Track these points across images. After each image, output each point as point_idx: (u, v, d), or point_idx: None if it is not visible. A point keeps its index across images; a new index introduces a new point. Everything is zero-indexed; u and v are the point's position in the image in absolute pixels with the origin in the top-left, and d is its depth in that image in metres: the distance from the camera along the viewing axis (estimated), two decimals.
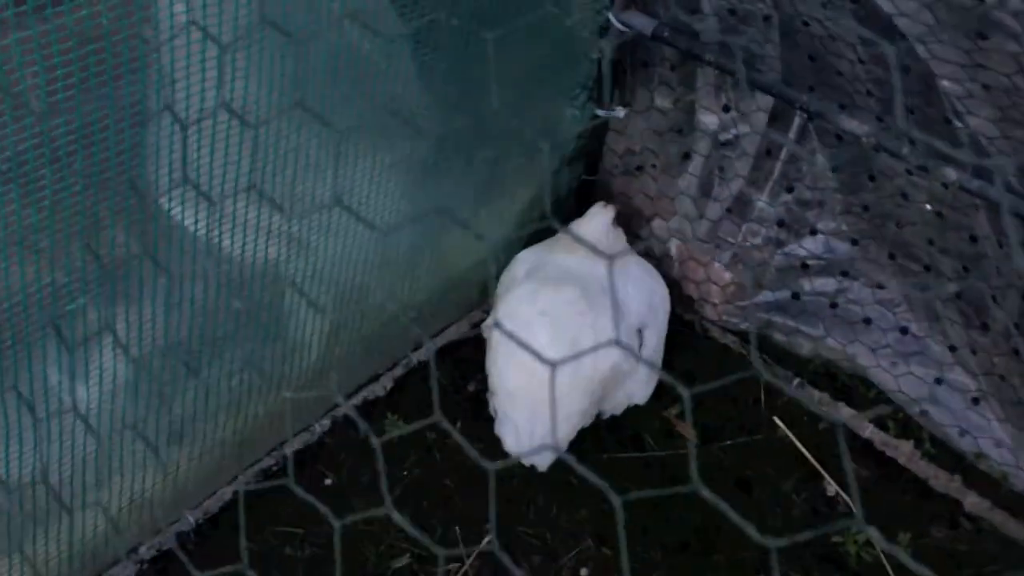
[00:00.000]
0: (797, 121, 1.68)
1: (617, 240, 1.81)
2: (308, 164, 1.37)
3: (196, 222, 1.27)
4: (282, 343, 1.51)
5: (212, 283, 1.34)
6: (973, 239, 1.53)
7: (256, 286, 1.42)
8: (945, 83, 1.26)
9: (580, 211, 1.87)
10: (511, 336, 1.66)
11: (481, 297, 1.97)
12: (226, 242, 1.33)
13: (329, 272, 1.53)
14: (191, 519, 1.55)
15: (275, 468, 1.67)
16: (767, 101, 1.67)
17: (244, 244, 1.36)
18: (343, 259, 1.53)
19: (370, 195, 1.52)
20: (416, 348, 1.87)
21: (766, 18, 1.50)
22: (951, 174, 1.39)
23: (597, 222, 1.78)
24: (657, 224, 1.97)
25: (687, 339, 1.95)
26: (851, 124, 1.48)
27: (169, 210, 1.25)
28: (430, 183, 1.63)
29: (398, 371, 1.83)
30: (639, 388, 1.79)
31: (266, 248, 1.39)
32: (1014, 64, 1.13)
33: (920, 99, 1.34)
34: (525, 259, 1.83)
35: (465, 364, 1.90)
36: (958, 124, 1.31)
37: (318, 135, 1.38)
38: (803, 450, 1.74)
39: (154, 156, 1.15)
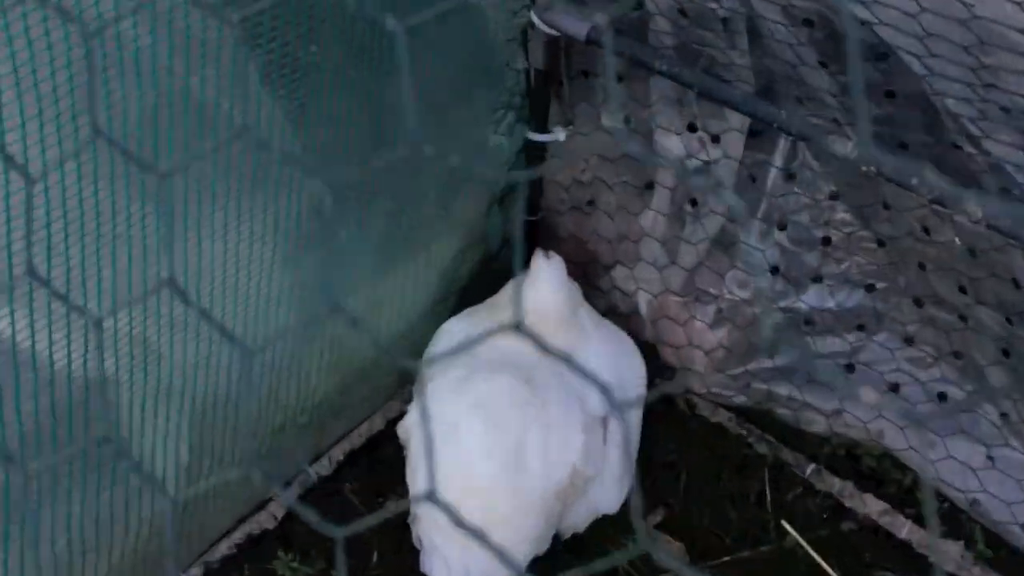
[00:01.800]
0: (783, 140, 1.63)
1: (573, 298, 1.76)
2: (142, 243, 1.31)
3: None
4: (123, 485, 1.45)
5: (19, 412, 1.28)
6: (1016, 284, 1.49)
7: (80, 414, 1.36)
8: (950, 103, 1.22)
9: (522, 260, 1.82)
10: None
11: (399, 383, 1.92)
12: (36, 351, 1.27)
13: (183, 383, 1.47)
14: None
15: None
16: (742, 118, 1.62)
17: (62, 354, 1.30)
18: (201, 364, 1.48)
19: (230, 276, 1.47)
20: (315, 459, 1.82)
21: (724, 21, 1.45)
22: (975, 210, 1.34)
23: (547, 281, 1.71)
24: (620, 273, 1.92)
25: (670, 419, 1.91)
26: (844, 148, 1.43)
27: None
28: (314, 250, 1.58)
29: (292, 492, 1.78)
30: (607, 494, 1.73)
31: (86, 359, 1.33)
32: None
33: (921, 121, 1.29)
34: (452, 331, 1.78)
35: (383, 472, 1.84)
36: (971, 150, 1.27)
37: (151, 200, 1.33)
38: (822, 564, 1.69)
39: None
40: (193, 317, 1.43)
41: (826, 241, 1.71)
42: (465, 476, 1.58)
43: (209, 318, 1.49)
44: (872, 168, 1.40)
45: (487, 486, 1.58)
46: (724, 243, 1.77)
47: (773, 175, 1.67)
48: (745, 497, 1.80)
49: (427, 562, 1.62)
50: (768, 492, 1.79)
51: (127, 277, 1.32)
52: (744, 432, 1.87)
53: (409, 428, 1.70)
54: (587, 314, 1.78)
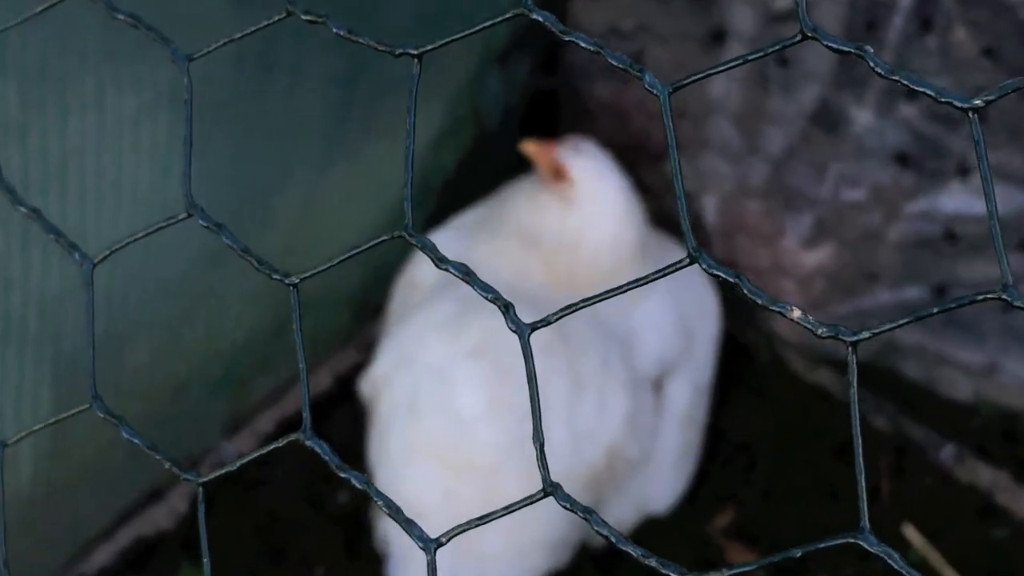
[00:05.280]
0: None
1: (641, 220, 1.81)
2: None
3: None
4: None
5: None
6: None
7: None
8: None
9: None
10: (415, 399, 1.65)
11: (356, 322, 1.95)
12: None
13: (41, 321, 1.52)
14: None
15: None
16: None
17: None
18: (67, 293, 1.52)
19: (107, 167, 1.51)
20: (234, 430, 1.87)
21: None
22: None
23: (611, 205, 1.74)
24: None
25: (746, 380, 1.96)
26: None
27: None
28: (221, 138, 1.60)
29: (201, 476, 1.83)
30: (659, 487, 1.82)
31: None
32: None
33: None
34: (440, 249, 1.80)
35: (331, 447, 1.89)
36: None
37: None
38: None
39: None
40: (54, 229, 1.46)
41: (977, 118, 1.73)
42: (457, 449, 1.66)
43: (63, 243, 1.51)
44: None
45: (487, 464, 1.64)
46: (827, 120, 1.80)
47: (899, 19, 1.69)
48: (851, 493, 1.84)
49: (397, 572, 1.70)
50: (886, 484, 1.84)
51: None
52: (851, 399, 1.90)
53: (379, 380, 1.75)
54: (649, 235, 1.83)
